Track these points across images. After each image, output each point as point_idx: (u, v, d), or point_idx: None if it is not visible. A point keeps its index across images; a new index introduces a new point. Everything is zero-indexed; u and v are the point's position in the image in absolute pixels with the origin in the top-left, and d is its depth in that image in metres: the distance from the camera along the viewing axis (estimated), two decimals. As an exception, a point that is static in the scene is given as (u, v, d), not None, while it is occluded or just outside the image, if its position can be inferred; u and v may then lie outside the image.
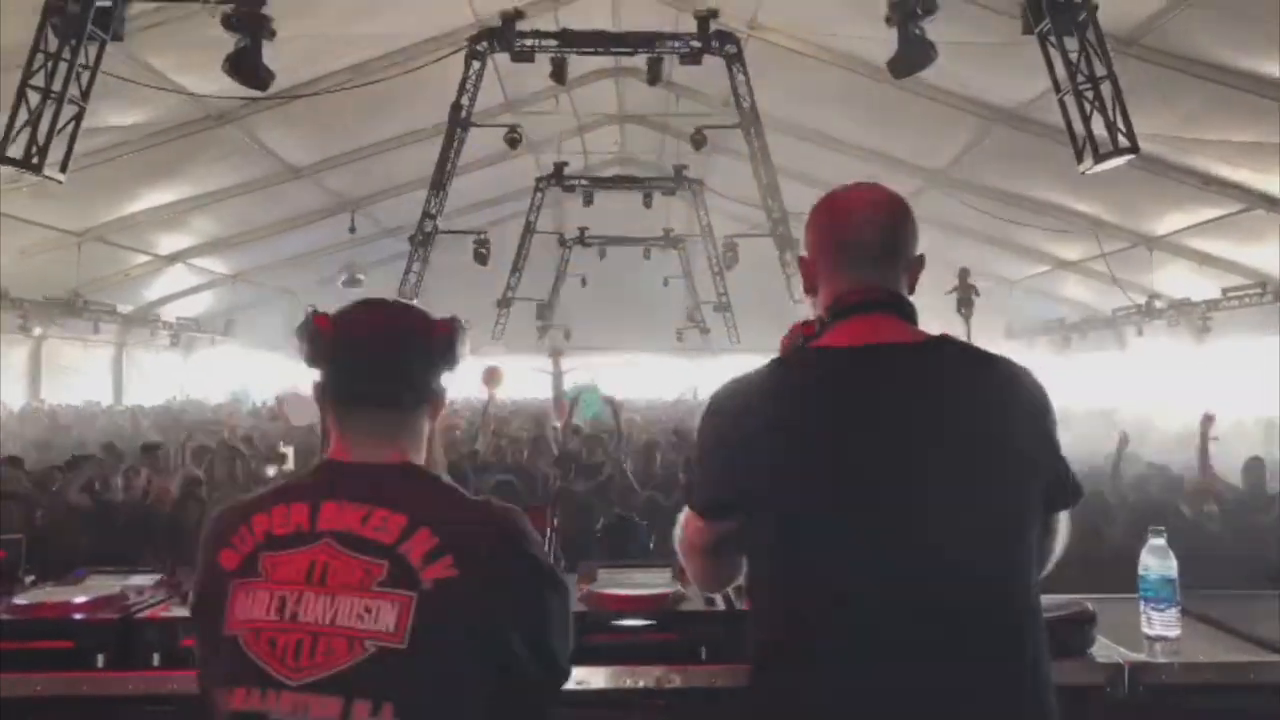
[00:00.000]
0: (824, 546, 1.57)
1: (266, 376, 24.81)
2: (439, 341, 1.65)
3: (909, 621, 1.52)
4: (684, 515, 1.77)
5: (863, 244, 1.76)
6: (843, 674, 1.54)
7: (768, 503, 1.62)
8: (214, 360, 24.42)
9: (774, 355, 1.82)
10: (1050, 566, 1.74)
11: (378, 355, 1.62)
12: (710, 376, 24.52)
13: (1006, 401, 1.65)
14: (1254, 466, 7.78)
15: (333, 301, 1.72)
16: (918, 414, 1.62)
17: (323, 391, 1.63)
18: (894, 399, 1.63)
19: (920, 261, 1.82)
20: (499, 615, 1.47)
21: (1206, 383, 16.57)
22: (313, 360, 1.63)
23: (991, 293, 18.16)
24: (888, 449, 1.59)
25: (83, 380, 20.39)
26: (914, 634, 1.51)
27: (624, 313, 24.59)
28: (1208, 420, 7.68)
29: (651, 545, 5.58)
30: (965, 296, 15.30)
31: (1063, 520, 1.73)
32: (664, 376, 25.85)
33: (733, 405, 1.74)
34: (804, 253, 1.85)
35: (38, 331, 18.08)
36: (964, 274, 15.23)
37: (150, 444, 9.61)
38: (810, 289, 1.85)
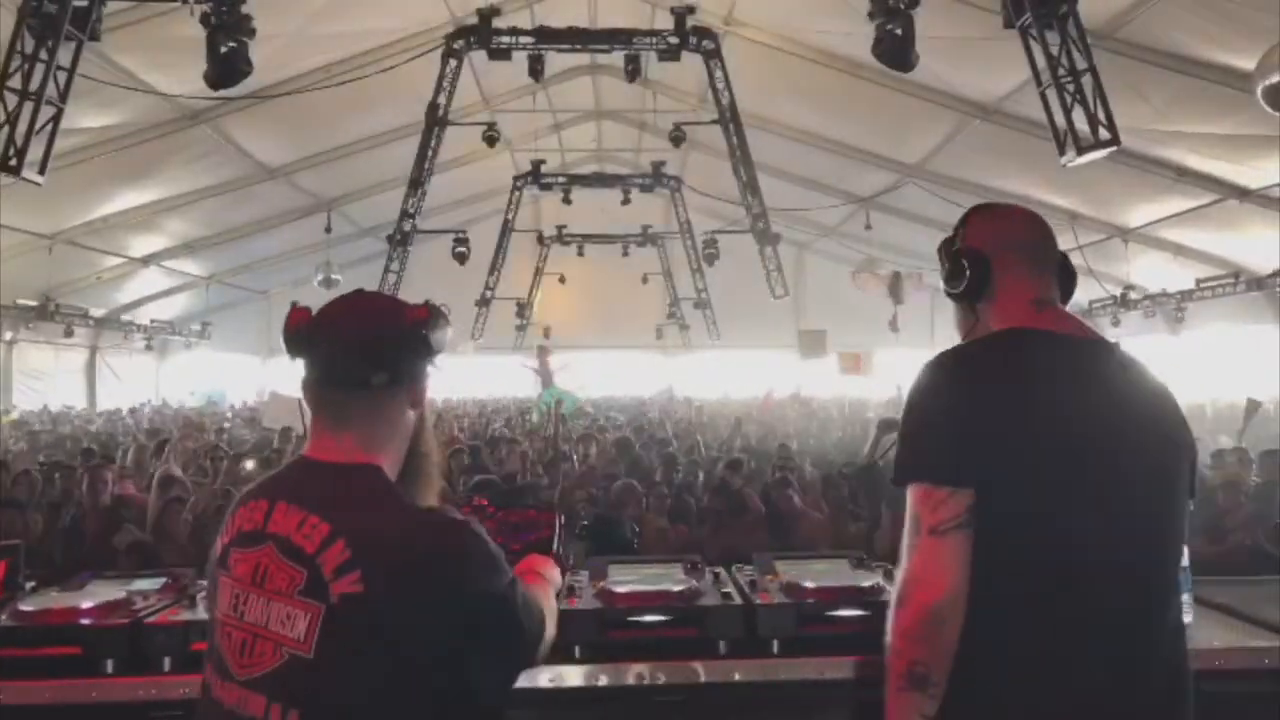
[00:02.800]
0: (1069, 527, 1.65)
1: (242, 379, 24.65)
2: (412, 325, 1.64)
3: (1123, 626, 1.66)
4: (913, 499, 1.69)
5: (1041, 252, 1.94)
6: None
7: (1021, 476, 1.65)
8: (189, 363, 24.15)
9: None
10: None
11: (349, 337, 1.63)
12: (689, 373, 24.68)
13: (1168, 397, 1.82)
14: (1267, 460, 7.71)
15: (309, 302, 1.74)
16: (1127, 410, 1.74)
17: (302, 383, 1.65)
18: (1113, 392, 1.75)
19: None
20: (411, 633, 1.45)
21: (1183, 372, 16.79)
22: (293, 351, 1.65)
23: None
24: (1121, 440, 1.69)
25: (54, 385, 20.13)
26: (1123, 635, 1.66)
27: (603, 310, 24.55)
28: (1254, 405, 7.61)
29: (636, 545, 5.58)
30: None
31: None
32: (643, 373, 25.87)
33: (969, 374, 1.76)
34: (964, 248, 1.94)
35: (8, 336, 17.87)
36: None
37: (89, 450, 9.59)
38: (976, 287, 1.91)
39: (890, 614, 1.66)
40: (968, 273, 1.89)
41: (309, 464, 1.63)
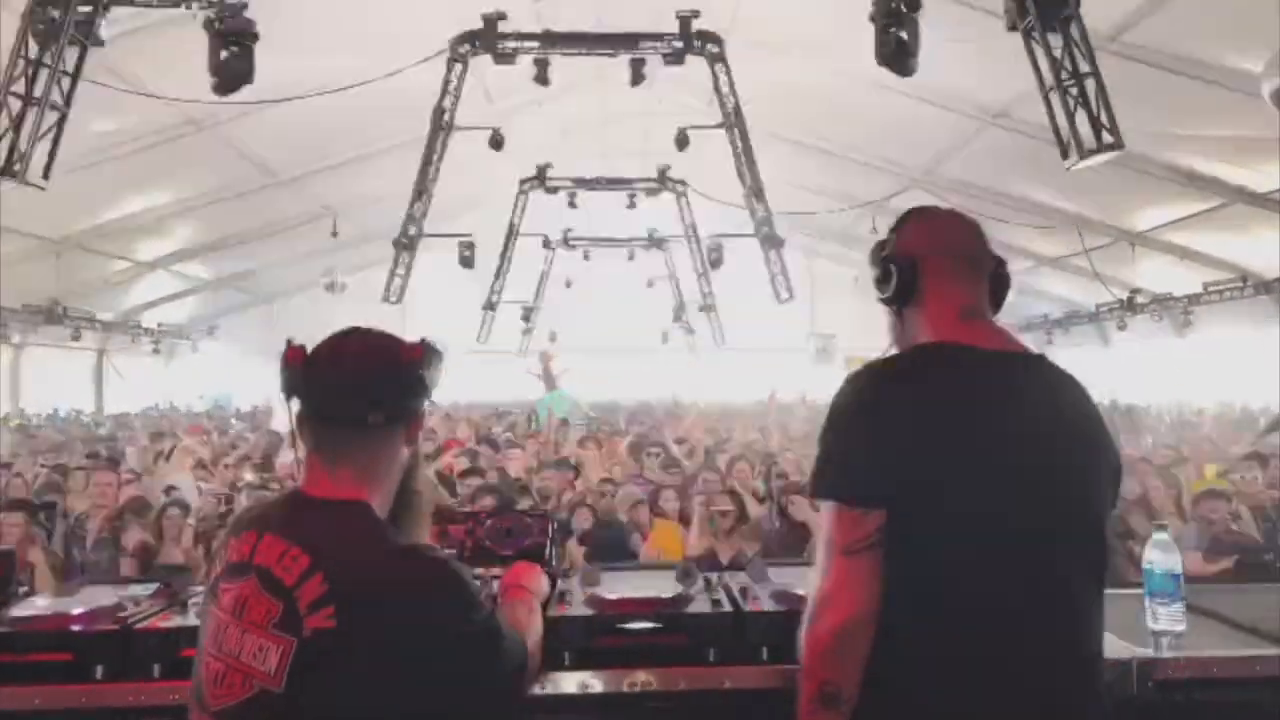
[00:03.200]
0: (980, 552, 1.63)
1: (249, 382, 24.71)
2: (408, 364, 1.66)
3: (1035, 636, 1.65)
4: (826, 517, 1.69)
5: (973, 258, 1.90)
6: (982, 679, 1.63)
7: (934, 497, 1.63)
8: (196, 367, 24.22)
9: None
10: None
11: (345, 377, 1.64)
12: (694, 376, 24.61)
13: (1092, 411, 1.81)
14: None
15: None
16: (1048, 426, 1.72)
17: (298, 420, 1.67)
18: (1032, 409, 1.73)
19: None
20: (383, 670, 1.45)
21: (1189, 376, 16.74)
22: (289, 389, 1.67)
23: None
24: (1039, 458, 1.68)
25: (63, 388, 20.20)
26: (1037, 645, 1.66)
27: (609, 314, 24.53)
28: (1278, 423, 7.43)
29: (636, 551, 5.57)
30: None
31: None
32: (648, 377, 25.79)
33: (884, 393, 1.74)
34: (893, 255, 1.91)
35: (17, 340, 17.93)
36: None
37: (94, 453, 9.65)
38: (903, 292, 1.89)
39: (802, 632, 1.67)
40: (894, 278, 1.88)
41: (301, 498, 1.65)
